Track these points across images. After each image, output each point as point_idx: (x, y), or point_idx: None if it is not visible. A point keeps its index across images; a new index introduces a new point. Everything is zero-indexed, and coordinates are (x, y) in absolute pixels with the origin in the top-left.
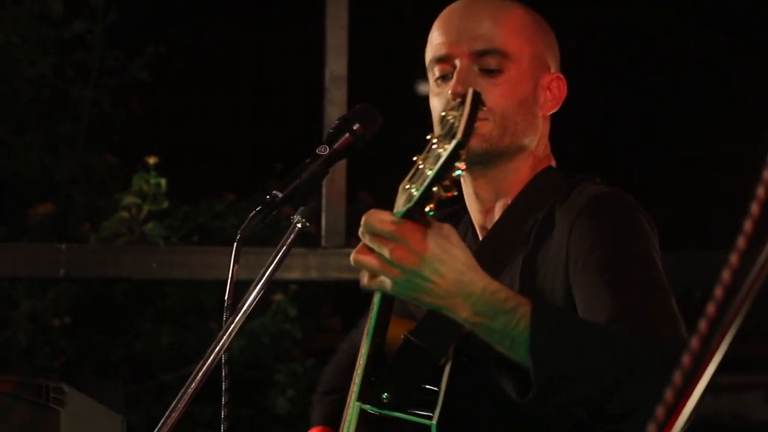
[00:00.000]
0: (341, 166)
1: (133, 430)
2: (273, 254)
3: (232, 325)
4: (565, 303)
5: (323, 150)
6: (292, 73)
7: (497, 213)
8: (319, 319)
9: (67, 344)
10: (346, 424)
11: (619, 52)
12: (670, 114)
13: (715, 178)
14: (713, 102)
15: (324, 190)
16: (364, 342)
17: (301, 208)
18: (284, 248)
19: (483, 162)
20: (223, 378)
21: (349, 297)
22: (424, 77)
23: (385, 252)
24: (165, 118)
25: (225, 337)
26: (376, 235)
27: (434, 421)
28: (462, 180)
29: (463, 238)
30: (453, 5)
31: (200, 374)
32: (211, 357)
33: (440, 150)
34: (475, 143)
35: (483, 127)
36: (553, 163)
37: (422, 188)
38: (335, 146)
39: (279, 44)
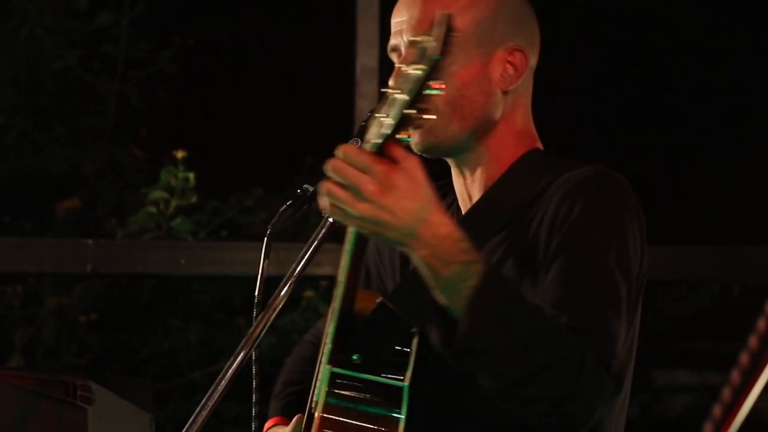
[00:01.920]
0: None
1: (161, 429)
2: (303, 250)
3: (263, 322)
4: (530, 288)
5: (355, 143)
6: (322, 65)
7: (478, 195)
8: None
9: (93, 341)
10: (317, 389)
11: (656, 45)
12: (707, 107)
13: (754, 172)
14: (753, 95)
15: None
16: (332, 306)
17: None
18: (315, 243)
19: (443, 153)
20: (253, 376)
21: None
22: None
23: (357, 186)
24: (193, 112)
25: (255, 333)
26: (349, 167)
27: (406, 383)
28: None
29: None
30: None
31: (230, 372)
32: (241, 354)
33: (412, 72)
34: (423, 137)
35: (427, 120)
36: (539, 146)
37: (397, 112)
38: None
39: (309, 35)
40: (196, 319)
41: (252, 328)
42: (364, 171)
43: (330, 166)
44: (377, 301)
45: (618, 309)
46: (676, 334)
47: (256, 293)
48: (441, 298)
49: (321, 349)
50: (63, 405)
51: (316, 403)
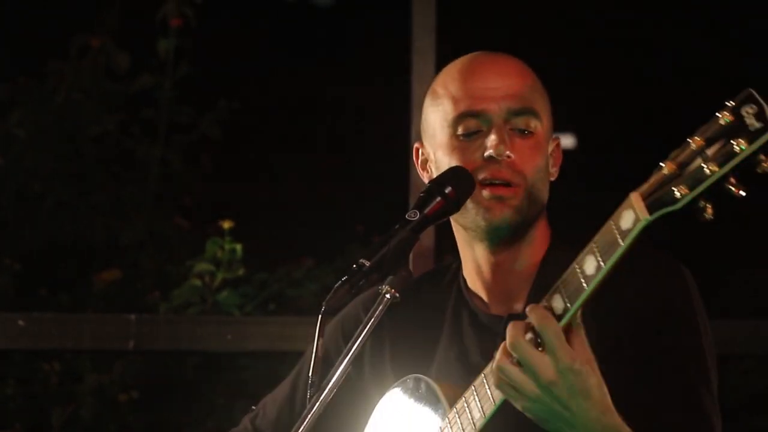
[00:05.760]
0: (429, 229)
1: None
2: (361, 327)
3: (317, 404)
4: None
5: (413, 215)
6: (375, 130)
7: (517, 288)
8: None
9: (134, 421)
10: None
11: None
12: None
13: None
14: None
15: (410, 255)
16: None
17: (389, 278)
18: (373, 320)
19: (510, 234)
20: None
21: None
22: None
23: (535, 371)
24: (239, 178)
25: (309, 416)
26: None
27: None
28: (466, 244)
29: (446, 299)
30: (475, 59)
31: None
32: None
33: (735, 146)
34: (507, 215)
35: (515, 198)
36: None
37: (712, 179)
38: (426, 211)
39: (361, 99)
40: (242, 397)
41: (306, 410)
42: (549, 353)
43: (512, 342)
44: None
45: (709, 424)
46: (749, 409)
47: (310, 374)
48: None
49: None
50: None
51: None
